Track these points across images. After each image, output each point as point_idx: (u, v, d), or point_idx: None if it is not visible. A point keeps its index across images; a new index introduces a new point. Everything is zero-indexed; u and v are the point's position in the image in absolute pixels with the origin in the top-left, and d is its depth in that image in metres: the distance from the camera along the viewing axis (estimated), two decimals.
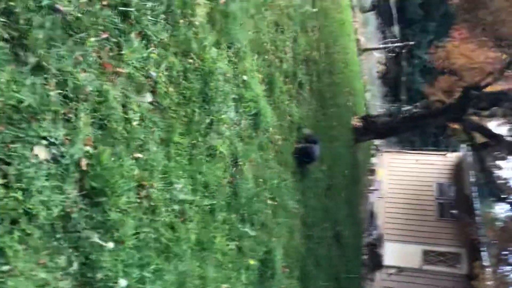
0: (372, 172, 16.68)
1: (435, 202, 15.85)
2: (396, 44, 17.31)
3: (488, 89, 9.93)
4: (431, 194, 16.07)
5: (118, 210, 2.77)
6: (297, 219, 6.49)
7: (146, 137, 3.15)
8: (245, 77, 4.86)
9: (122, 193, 2.80)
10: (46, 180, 2.28)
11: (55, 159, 2.36)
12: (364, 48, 17.12)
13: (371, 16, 20.61)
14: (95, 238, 2.57)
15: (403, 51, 17.07)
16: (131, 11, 3.01)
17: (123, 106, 2.95)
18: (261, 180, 5.16)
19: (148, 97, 3.25)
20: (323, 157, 8.40)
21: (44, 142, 2.30)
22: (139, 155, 3.07)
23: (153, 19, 3.28)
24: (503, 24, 9.01)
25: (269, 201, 5.36)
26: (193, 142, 3.76)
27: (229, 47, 4.55)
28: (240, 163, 4.58)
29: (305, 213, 6.88)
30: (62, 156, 2.40)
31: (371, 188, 16.28)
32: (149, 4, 3.24)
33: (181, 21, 3.67)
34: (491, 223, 13.17)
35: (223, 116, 4.25)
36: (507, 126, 12.02)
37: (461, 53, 11.27)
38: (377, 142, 18.34)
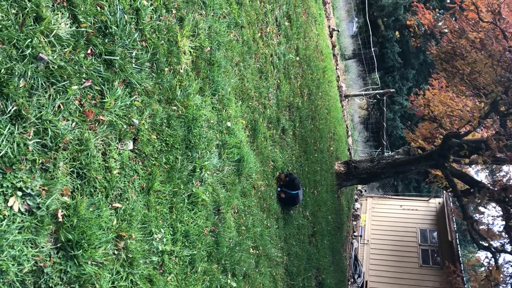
0: (356, 217, 16.66)
1: (418, 249, 15.80)
2: (376, 91, 17.74)
3: (469, 137, 10.16)
4: (414, 240, 16.06)
5: (95, 263, 2.68)
6: (281, 267, 6.36)
7: (126, 186, 3.10)
8: (228, 124, 4.89)
9: (99, 245, 2.72)
10: (19, 233, 2.19)
11: (30, 211, 2.28)
12: (346, 94, 17.50)
13: (352, 63, 21.24)
14: None
15: (384, 97, 17.49)
16: (115, 59, 3.03)
17: (104, 154, 2.91)
18: (243, 228, 5.10)
19: (130, 145, 3.22)
20: (307, 203, 8.36)
21: (19, 193, 2.23)
22: (118, 204, 3.01)
23: (137, 67, 3.30)
24: (480, 75, 9.34)
25: (252, 250, 5.28)
26: (174, 190, 3.72)
27: (213, 94, 4.60)
28: (222, 210, 4.54)
29: (289, 261, 6.76)
30: (38, 208, 2.32)
31: (355, 234, 16.19)
32: (134, 53, 3.26)
33: (166, 69, 3.70)
34: (475, 271, 13.09)
35: (206, 163, 4.24)
36: (487, 172, 12.25)
37: (440, 101, 11.59)
38: (360, 187, 18.42)
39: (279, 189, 6.74)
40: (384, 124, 17.78)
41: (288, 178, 6.80)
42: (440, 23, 12.17)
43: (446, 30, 11.19)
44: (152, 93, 3.48)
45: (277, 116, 6.97)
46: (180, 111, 3.86)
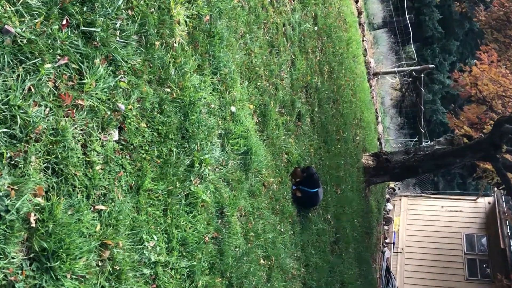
0: (388, 221, 16.64)
1: (464, 258, 15.76)
2: (412, 67, 17.63)
3: None
4: (459, 248, 16.01)
5: (75, 276, 2.70)
6: (297, 281, 6.38)
7: (111, 184, 3.12)
8: (233, 109, 4.89)
9: (80, 255, 2.74)
10: None
11: None
12: (375, 71, 17.42)
13: (383, 34, 21.13)
14: None
15: (421, 75, 17.34)
16: (96, 31, 3.03)
17: (84, 146, 2.92)
18: (252, 234, 5.11)
19: (115, 135, 3.23)
20: (328, 203, 8.36)
21: None
22: (102, 206, 3.03)
23: (122, 40, 3.30)
24: None
25: (262, 261, 5.29)
26: (169, 188, 3.73)
27: (214, 73, 4.59)
28: (227, 213, 4.55)
29: (307, 274, 6.78)
30: (6, 211, 2.34)
31: (387, 241, 16.18)
32: (119, 23, 3.26)
33: (157, 42, 3.70)
34: None
35: (206, 156, 4.25)
36: None
37: (490, 78, 11.49)
38: (392, 184, 18.38)
39: (294, 186, 6.75)
40: (422, 107, 17.64)
41: (305, 173, 6.80)
42: None
43: None
44: (141, 72, 3.48)
45: (292, 99, 6.97)
46: (174, 94, 3.86)
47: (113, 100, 3.19)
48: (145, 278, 3.33)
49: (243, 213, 5.03)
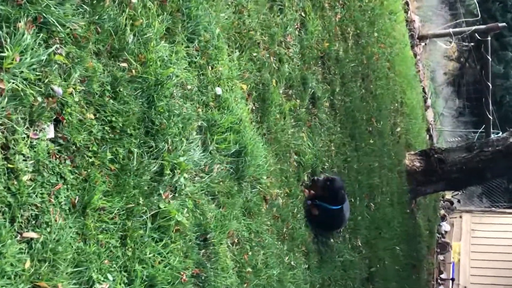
0: (444, 248, 16.62)
1: None
2: (475, 27, 17.57)
3: None
4: None
5: None
6: None
7: (45, 202, 3.10)
8: (218, 90, 4.89)
9: None
10: None
11: None
12: (422, 34, 17.39)
13: None
14: None
15: (488, 38, 17.25)
16: None
17: (5, 148, 2.92)
18: (249, 270, 5.10)
19: (49, 131, 3.22)
20: (357, 224, 8.35)
21: None
22: (33, 234, 3.02)
23: None
24: None
25: None
26: (128, 206, 3.72)
27: (190, 40, 4.59)
28: (212, 241, 4.54)
29: None
30: None
31: (443, 276, 16.16)
32: None
33: None
34: None
35: (180, 159, 4.24)
36: None
37: None
38: (449, 195, 18.35)
39: (309, 201, 6.74)
40: (489, 84, 17.57)
41: (328, 188, 6.74)
42: None
43: None
44: (85, 41, 3.47)
45: (302, 75, 6.96)
46: (133, 71, 3.85)
47: (46, 81, 3.17)
48: None
49: (236, 240, 5.01)
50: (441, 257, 16.60)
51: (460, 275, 16.49)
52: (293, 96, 6.65)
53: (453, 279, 16.21)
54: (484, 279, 16.32)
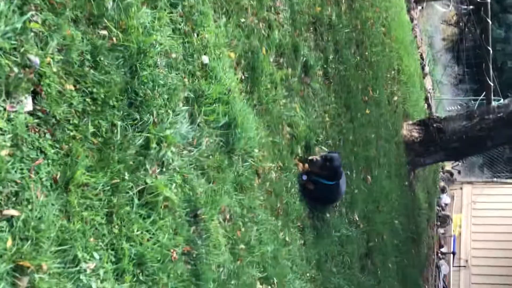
0: (444, 221, 16.66)
1: None
2: None
3: None
4: None
5: None
6: None
7: (25, 178, 3.07)
8: (205, 59, 4.89)
9: None
10: None
11: None
12: None
13: None
14: None
15: (487, 0, 17.03)
16: None
17: None
18: (242, 246, 5.13)
19: (27, 103, 3.18)
20: (355, 199, 8.34)
21: None
22: (13, 211, 2.99)
23: None
24: None
25: (259, 285, 5.31)
26: (113, 182, 3.70)
27: (173, 5, 4.57)
28: (203, 217, 4.55)
29: None
30: None
31: (443, 250, 16.22)
32: None
33: None
34: None
35: (167, 132, 4.23)
36: None
37: None
38: (449, 166, 18.37)
39: (304, 177, 6.68)
40: (490, 49, 17.39)
41: (327, 167, 6.65)
42: None
43: None
44: (61, 7, 3.41)
45: (294, 42, 6.94)
46: (114, 39, 3.82)
47: (22, 50, 3.12)
48: None
49: (228, 216, 5.01)
50: (441, 231, 16.68)
51: (461, 248, 16.55)
52: (284, 64, 6.63)
53: (454, 253, 16.30)
54: (486, 252, 16.38)
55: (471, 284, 16.03)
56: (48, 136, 3.26)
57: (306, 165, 6.74)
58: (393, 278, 9.98)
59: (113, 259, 3.59)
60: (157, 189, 4.03)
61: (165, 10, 4.40)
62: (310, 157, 6.74)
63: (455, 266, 16.21)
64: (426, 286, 13.86)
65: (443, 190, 17.58)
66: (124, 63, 3.87)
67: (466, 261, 16.38)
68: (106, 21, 3.76)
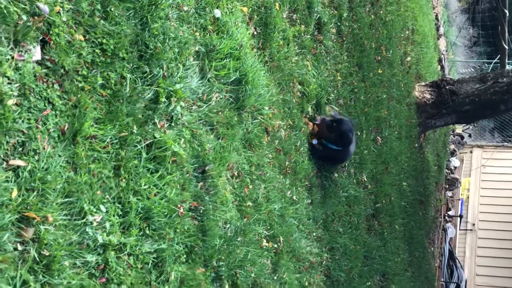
0: (452, 184, 16.68)
1: None
2: None
3: None
4: None
5: None
6: (317, 272, 6.44)
7: (32, 129, 3.09)
8: (217, 13, 4.84)
9: None
10: None
11: None
12: None
13: None
14: None
15: None
16: None
17: None
18: (250, 204, 5.14)
19: (36, 52, 3.18)
20: (363, 158, 8.35)
21: None
22: (20, 162, 3.01)
23: None
24: None
25: (265, 243, 5.33)
26: (122, 135, 3.71)
27: None
28: (210, 173, 4.56)
29: (332, 262, 6.84)
30: None
31: (451, 213, 16.26)
32: None
33: None
34: None
35: (177, 87, 4.22)
36: None
37: None
38: (460, 129, 18.32)
39: (315, 141, 6.67)
40: (506, 11, 17.23)
41: (334, 129, 6.60)
42: None
43: None
44: None
45: None
46: None
47: None
48: (89, 268, 3.33)
49: (236, 173, 5.03)
50: (449, 194, 16.68)
51: (468, 212, 16.59)
52: (298, 21, 6.56)
53: (461, 216, 16.32)
54: (493, 216, 16.43)
55: (477, 248, 16.10)
56: (56, 86, 3.26)
57: (315, 125, 6.73)
58: (399, 240, 10.02)
59: (120, 213, 3.62)
60: (166, 143, 4.03)
61: None
62: (321, 117, 6.71)
63: (462, 229, 16.26)
64: (431, 248, 13.91)
65: (452, 153, 17.54)
66: (135, 15, 3.85)
67: (473, 224, 16.42)
68: None
